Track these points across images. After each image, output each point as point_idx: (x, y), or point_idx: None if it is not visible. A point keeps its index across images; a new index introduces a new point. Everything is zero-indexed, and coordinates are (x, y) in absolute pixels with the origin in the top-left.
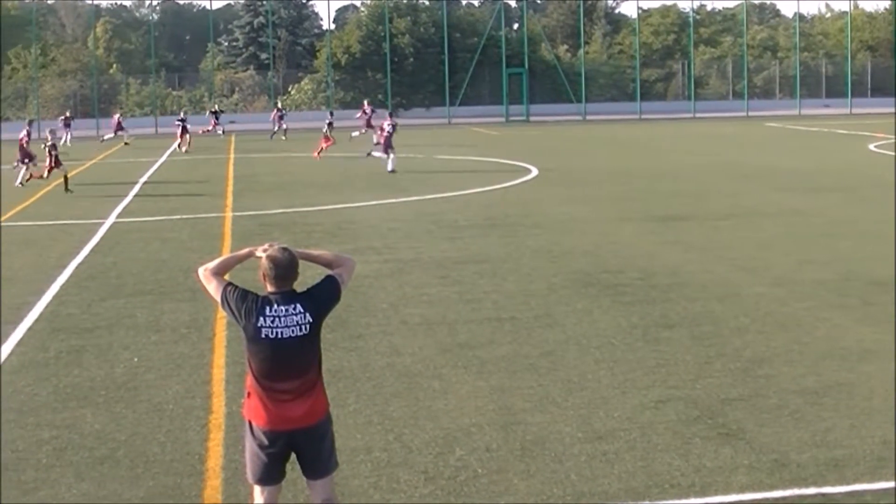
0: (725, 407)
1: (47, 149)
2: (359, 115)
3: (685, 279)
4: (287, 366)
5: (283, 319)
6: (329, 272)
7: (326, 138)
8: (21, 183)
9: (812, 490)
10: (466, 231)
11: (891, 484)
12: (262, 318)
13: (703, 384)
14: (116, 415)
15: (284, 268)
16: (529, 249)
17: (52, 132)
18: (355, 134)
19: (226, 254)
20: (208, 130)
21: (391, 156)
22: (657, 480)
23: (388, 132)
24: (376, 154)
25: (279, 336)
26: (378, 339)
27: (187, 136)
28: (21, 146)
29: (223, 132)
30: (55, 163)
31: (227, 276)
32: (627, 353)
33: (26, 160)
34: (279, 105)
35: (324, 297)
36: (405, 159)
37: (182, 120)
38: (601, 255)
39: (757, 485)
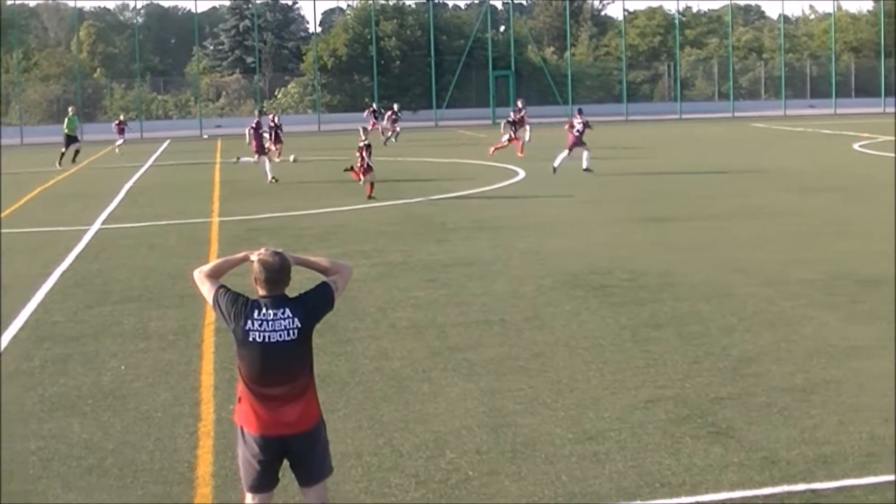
0: (715, 406)
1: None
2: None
3: (673, 280)
4: (276, 370)
5: (271, 324)
6: (324, 278)
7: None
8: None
9: (802, 487)
10: (455, 234)
11: (880, 479)
12: (250, 322)
13: (693, 383)
14: (104, 423)
15: (275, 272)
16: (518, 251)
17: None
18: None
19: (213, 259)
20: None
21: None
22: (648, 480)
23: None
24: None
25: (267, 340)
26: (367, 343)
27: (280, 144)
28: None
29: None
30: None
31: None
32: (616, 353)
33: None
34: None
35: (315, 304)
36: (393, 163)
37: (276, 126)
38: (589, 257)
39: (747, 482)
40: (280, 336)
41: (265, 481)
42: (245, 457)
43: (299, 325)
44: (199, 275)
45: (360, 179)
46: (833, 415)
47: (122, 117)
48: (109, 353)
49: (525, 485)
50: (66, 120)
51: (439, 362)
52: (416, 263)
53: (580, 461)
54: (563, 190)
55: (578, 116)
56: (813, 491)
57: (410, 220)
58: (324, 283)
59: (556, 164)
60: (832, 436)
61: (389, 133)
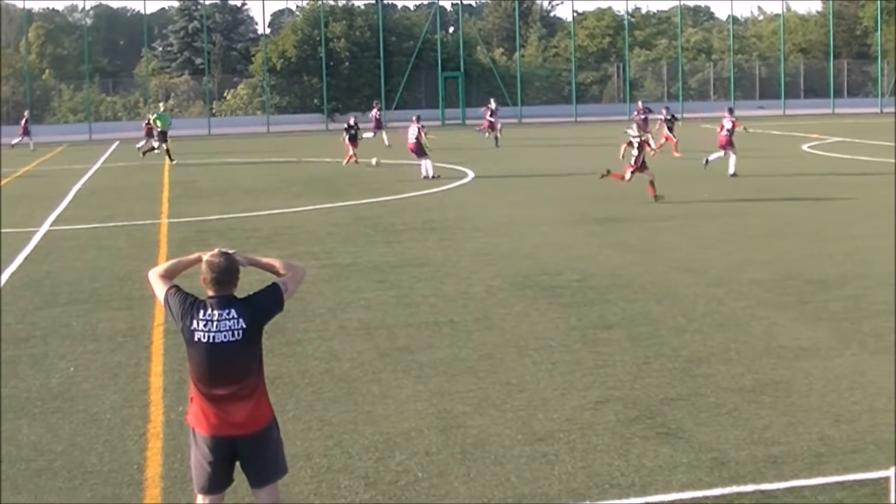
0: (664, 406)
1: None
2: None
3: (623, 280)
4: (221, 371)
5: (216, 324)
6: (275, 280)
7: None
8: None
9: (751, 487)
10: (404, 235)
11: (829, 479)
12: (195, 322)
13: (642, 384)
14: (53, 425)
15: (220, 272)
16: (467, 252)
17: None
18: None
19: (162, 261)
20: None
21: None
22: (597, 481)
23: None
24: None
25: (212, 340)
26: (316, 345)
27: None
28: None
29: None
30: None
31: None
32: (566, 354)
33: None
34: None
35: (263, 305)
36: (343, 164)
37: (351, 126)
38: (539, 258)
39: (696, 483)
40: (225, 336)
41: (216, 482)
42: (196, 458)
43: (244, 326)
44: (153, 275)
45: (624, 177)
46: (782, 415)
47: (151, 118)
48: (58, 354)
49: (474, 486)
50: (156, 115)
51: (389, 363)
52: (365, 265)
53: (530, 462)
54: (513, 191)
55: (728, 115)
56: (762, 491)
57: (359, 221)
58: (273, 284)
59: (710, 158)
60: (781, 436)
61: (493, 132)
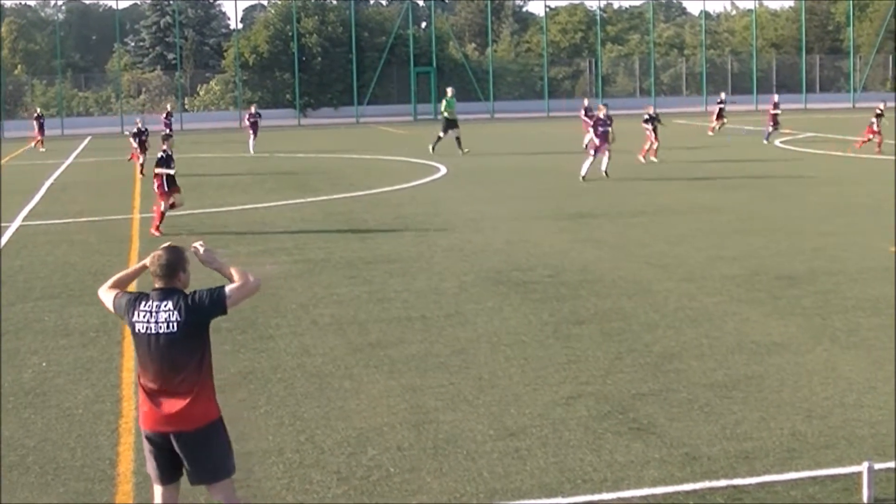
0: (636, 402)
1: None
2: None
3: (596, 276)
4: (155, 361)
5: (154, 315)
6: (224, 284)
7: None
8: None
9: (723, 482)
10: (377, 230)
11: (801, 474)
12: (137, 314)
13: (614, 380)
14: (25, 421)
15: (161, 266)
16: (440, 248)
17: None
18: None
19: (134, 256)
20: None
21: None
22: (569, 476)
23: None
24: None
25: (148, 331)
26: (288, 340)
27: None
28: None
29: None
30: None
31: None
32: (538, 350)
33: None
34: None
35: (203, 303)
36: (315, 159)
37: (142, 132)
38: (512, 253)
39: (668, 478)
40: (160, 328)
41: (166, 474)
42: (146, 450)
43: (179, 319)
44: (101, 292)
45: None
46: (754, 411)
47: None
48: (30, 350)
49: (446, 481)
50: (444, 102)
51: (361, 359)
52: (337, 260)
53: (502, 458)
54: (485, 187)
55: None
56: (734, 487)
57: (332, 216)
58: (220, 288)
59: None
60: (753, 432)
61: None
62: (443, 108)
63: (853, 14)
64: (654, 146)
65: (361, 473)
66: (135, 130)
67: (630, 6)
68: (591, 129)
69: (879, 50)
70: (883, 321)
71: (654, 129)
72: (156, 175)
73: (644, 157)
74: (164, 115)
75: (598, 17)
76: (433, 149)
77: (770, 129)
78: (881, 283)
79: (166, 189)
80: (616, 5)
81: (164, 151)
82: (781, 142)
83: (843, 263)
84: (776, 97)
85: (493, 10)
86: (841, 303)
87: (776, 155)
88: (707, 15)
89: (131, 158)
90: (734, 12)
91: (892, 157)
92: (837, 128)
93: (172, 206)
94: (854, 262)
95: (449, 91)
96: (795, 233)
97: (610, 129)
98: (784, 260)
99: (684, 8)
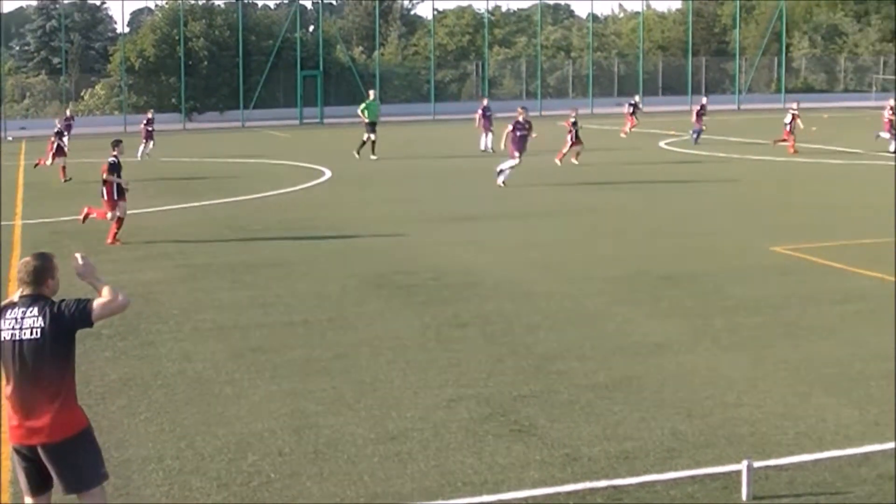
0: (517, 404)
1: None
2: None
3: (478, 279)
4: (21, 369)
5: (19, 321)
6: (90, 298)
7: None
8: None
9: (604, 483)
10: (260, 234)
11: (680, 474)
12: (4, 321)
13: (496, 382)
14: None
15: (27, 272)
16: (323, 252)
17: None
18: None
19: (14, 264)
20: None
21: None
22: (450, 479)
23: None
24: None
25: (13, 337)
26: (169, 346)
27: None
28: None
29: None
30: None
31: None
32: (420, 353)
33: None
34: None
35: (67, 313)
36: (198, 163)
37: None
38: (394, 256)
39: (549, 479)
40: (24, 334)
41: (34, 484)
42: (16, 461)
43: (43, 326)
44: None
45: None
46: (635, 411)
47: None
48: None
49: (327, 486)
50: (364, 104)
51: (242, 364)
52: (220, 265)
53: (382, 461)
54: (369, 190)
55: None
56: (615, 487)
57: (215, 221)
58: (85, 300)
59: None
60: (634, 432)
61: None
62: (360, 110)
63: (739, 16)
64: (577, 149)
65: (242, 479)
66: (56, 130)
67: (518, 9)
68: (510, 133)
69: (765, 52)
70: (764, 320)
71: (576, 133)
72: (106, 182)
73: (560, 160)
74: (65, 118)
75: (485, 20)
76: (357, 153)
77: (701, 129)
78: (762, 282)
79: (115, 197)
80: (504, 8)
81: (114, 157)
82: (666, 143)
83: (723, 263)
84: (704, 99)
85: (381, 13)
86: (722, 303)
87: (660, 156)
88: (594, 17)
89: (38, 164)
90: (622, 15)
91: (784, 159)
92: (722, 129)
93: (120, 220)
94: (733, 262)
95: (371, 94)
96: (677, 233)
97: (528, 134)
98: (665, 260)
99: (572, 11)
